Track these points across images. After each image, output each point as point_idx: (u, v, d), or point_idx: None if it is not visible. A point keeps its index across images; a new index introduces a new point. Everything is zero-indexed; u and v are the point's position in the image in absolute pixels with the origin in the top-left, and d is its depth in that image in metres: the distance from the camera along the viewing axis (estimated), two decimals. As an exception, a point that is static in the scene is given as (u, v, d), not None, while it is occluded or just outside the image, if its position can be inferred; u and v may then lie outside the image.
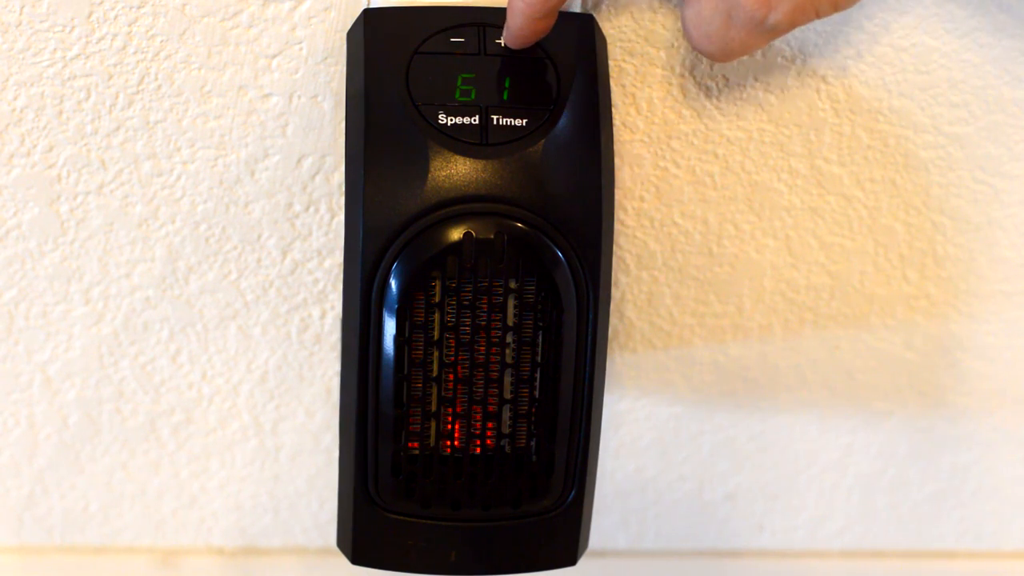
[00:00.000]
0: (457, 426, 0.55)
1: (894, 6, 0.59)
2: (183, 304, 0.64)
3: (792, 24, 0.51)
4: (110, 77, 0.58)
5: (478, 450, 0.55)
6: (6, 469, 0.69)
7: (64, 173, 0.60)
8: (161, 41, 0.57)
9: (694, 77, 0.59)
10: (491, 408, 0.54)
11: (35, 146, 0.59)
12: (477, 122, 0.52)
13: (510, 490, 0.56)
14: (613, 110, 0.58)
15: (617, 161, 0.61)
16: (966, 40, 0.60)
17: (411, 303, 0.52)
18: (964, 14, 0.59)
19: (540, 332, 0.53)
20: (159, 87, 0.58)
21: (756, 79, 0.60)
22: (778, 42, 0.59)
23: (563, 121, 0.53)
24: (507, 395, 0.54)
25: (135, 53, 0.57)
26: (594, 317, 0.53)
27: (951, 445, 0.72)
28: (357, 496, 0.56)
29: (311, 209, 0.62)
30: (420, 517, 0.56)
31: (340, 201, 0.61)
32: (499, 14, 0.54)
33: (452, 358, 0.53)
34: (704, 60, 0.59)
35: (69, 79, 0.58)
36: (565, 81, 0.53)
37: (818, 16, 0.52)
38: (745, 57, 0.59)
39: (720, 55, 0.53)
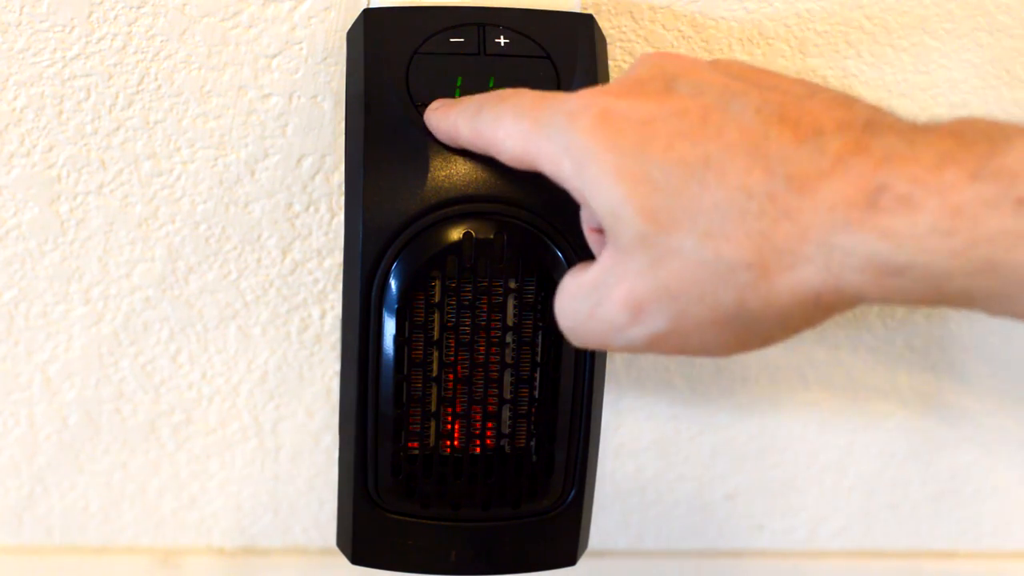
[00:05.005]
0: (457, 426, 0.55)
1: (894, 6, 0.59)
2: (183, 304, 0.64)
3: (650, 349, 0.44)
4: (110, 77, 0.58)
5: (478, 450, 0.55)
6: (6, 469, 0.69)
7: (64, 173, 0.60)
8: (161, 41, 0.57)
9: (694, 77, 0.59)
10: (491, 408, 0.54)
11: (35, 146, 0.59)
12: (477, 122, 0.53)
13: (510, 490, 0.56)
14: (613, 110, 0.57)
15: (617, 161, 0.61)
16: (966, 40, 0.60)
17: (411, 303, 0.52)
18: (964, 14, 0.59)
19: (540, 332, 0.53)
20: (159, 87, 0.58)
21: (756, 79, 0.60)
22: (778, 42, 0.59)
23: (563, 121, 0.53)
24: (507, 395, 0.54)
25: (135, 53, 0.57)
26: (594, 317, 0.53)
27: (951, 445, 0.72)
28: (357, 496, 0.56)
29: (311, 209, 0.62)
30: (420, 517, 0.56)
31: (340, 201, 0.61)
32: (499, 14, 0.54)
33: (452, 358, 0.53)
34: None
35: (69, 79, 0.58)
36: (565, 81, 0.53)
37: (684, 354, 0.45)
38: (745, 57, 0.59)
39: (574, 338, 0.47)
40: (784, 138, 0.41)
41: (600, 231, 0.49)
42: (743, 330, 0.43)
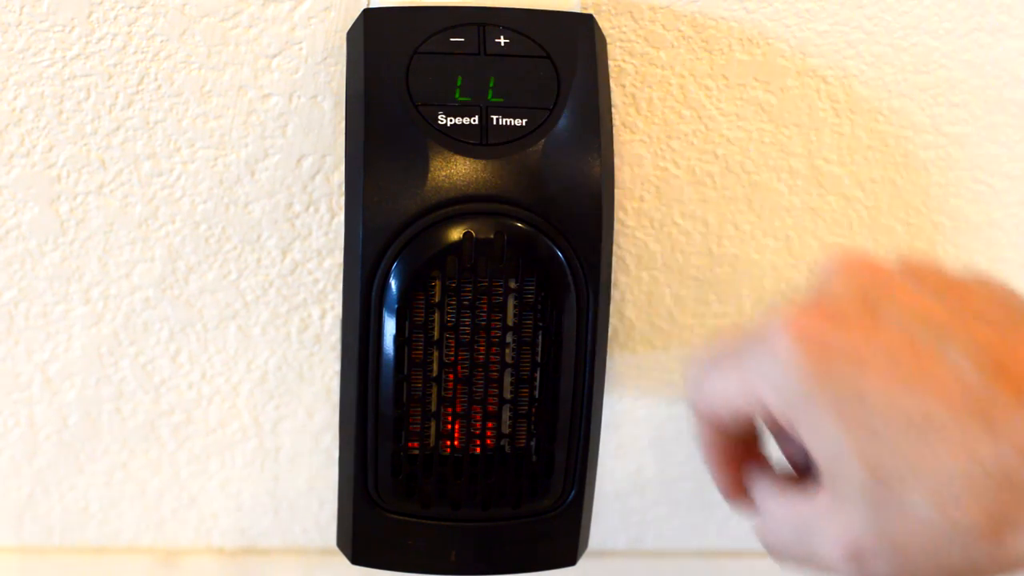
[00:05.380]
0: (457, 426, 0.55)
1: (894, 6, 0.59)
2: (183, 304, 0.64)
3: None
4: (110, 77, 0.58)
5: (478, 450, 0.55)
6: (6, 469, 0.69)
7: (64, 173, 0.60)
8: (161, 41, 0.57)
9: (694, 77, 0.59)
10: (491, 408, 0.54)
11: (35, 146, 0.59)
12: (477, 122, 0.53)
13: (510, 490, 0.56)
14: (613, 110, 0.58)
15: (617, 161, 0.61)
16: (966, 40, 0.60)
17: (411, 303, 0.52)
18: (964, 14, 0.59)
19: (540, 332, 0.53)
20: (159, 87, 0.58)
21: (756, 79, 0.60)
22: (778, 42, 0.59)
23: (563, 121, 0.53)
24: (507, 395, 0.54)
25: (135, 53, 0.57)
26: (594, 317, 0.53)
27: (951, 445, 0.72)
28: (357, 496, 0.56)
29: (311, 209, 0.62)
30: (420, 517, 0.56)
31: (340, 201, 0.61)
32: (499, 14, 0.54)
33: (452, 358, 0.53)
34: (704, 60, 0.59)
35: (69, 79, 0.58)
36: (565, 81, 0.53)
37: None
38: (745, 57, 0.59)
39: (778, 560, 0.47)
40: (1005, 400, 0.41)
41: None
42: None
